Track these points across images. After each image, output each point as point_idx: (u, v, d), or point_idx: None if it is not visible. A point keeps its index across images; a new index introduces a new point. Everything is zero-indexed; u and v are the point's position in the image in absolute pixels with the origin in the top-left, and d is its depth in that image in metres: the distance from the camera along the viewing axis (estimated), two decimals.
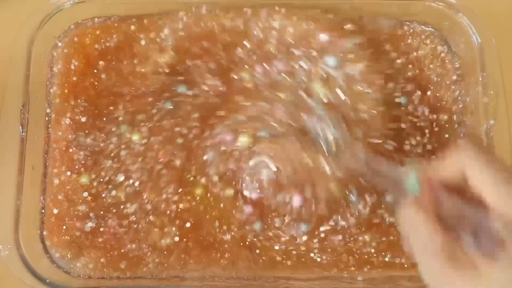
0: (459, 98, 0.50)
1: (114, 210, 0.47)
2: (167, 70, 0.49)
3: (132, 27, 0.51)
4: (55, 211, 0.47)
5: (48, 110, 0.49)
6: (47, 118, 0.48)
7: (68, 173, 0.47)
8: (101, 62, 0.50)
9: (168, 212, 0.46)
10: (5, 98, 0.46)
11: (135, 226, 0.46)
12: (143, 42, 0.50)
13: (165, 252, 0.46)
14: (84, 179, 0.47)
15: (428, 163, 0.34)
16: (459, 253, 0.29)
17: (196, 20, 0.50)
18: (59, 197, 0.47)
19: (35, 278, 0.43)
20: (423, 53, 0.51)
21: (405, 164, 0.35)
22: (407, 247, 0.32)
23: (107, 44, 0.51)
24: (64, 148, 0.48)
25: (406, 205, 0.32)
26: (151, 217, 0.46)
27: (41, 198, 0.47)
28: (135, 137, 0.48)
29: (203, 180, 0.47)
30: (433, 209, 0.31)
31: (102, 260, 0.46)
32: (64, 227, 0.46)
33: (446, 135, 0.49)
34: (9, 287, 0.46)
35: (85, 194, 0.47)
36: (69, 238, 0.46)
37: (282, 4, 0.49)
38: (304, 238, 0.46)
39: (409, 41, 0.51)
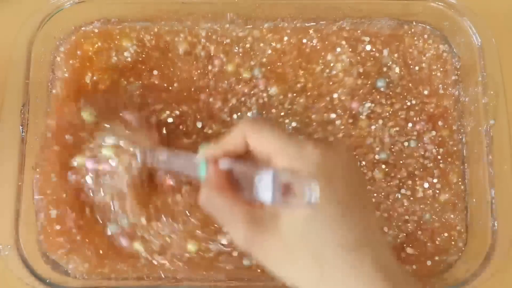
0: (459, 98, 0.50)
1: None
2: None
3: (132, 28, 0.51)
4: (55, 211, 0.47)
5: (48, 110, 0.49)
6: (47, 118, 0.48)
7: (68, 173, 0.47)
8: (101, 62, 0.50)
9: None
10: (5, 98, 0.46)
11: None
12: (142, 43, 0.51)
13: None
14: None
15: (214, 144, 0.37)
16: (260, 215, 0.33)
17: None
18: (59, 197, 0.47)
19: (35, 278, 0.43)
20: (423, 53, 0.51)
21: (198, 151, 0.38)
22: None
23: (107, 44, 0.51)
24: (64, 149, 0.48)
25: (201, 188, 0.35)
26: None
27: (41, 198, 0.47)
28: None
29: None
30: (225, 182, 0.35)
31: (101, 259, 0.46)
32: (64, 227, 0.46)
33: (446, 135, 0.49)
34: (9, 287, 0.46)
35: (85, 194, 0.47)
36: (69, 238, 0.46)
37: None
38: None
39: (409, 41, 0.51)
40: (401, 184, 0.48)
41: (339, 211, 0.32)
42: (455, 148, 0.49)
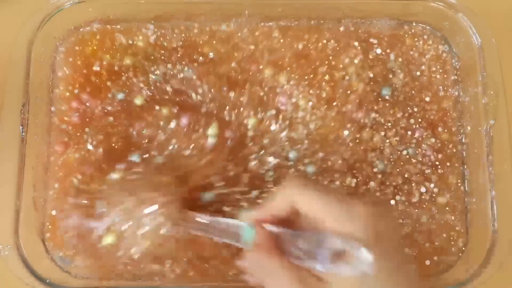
0: (459, 98, 0.50)
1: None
2: None
3: (132, 28, 0.51)
4: (55, 211, 0.47)
5: (48, 110, 0.49)
6: (47, 118, 0.48)
7: (68, 173, 0.47)
8: (101, 63, 0.50)
9: None
10: (5, 98, 0.46)
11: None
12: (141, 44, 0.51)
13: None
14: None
15: (258, 208, 0.37)
16: (307, 278, 0.33)
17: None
18: (59, 197, 0.47)
19: (35, 278, 0.43)
20: (423, 53, 0.51)
21: (239, 217, 0.37)
22: None
23: (107, 45, 0.51)
24: (64, 149, 0.48)
25: (249, 253, 0.35)
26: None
27: (41, 198, 0.47)
28: None
29: None
30: (273, 245, 0.34)
31: (101, 259, 0.46)
32: (64, 227, 0.46)
33: (445, 139, 0.49)
34: (9, 287, 0.46)
35: (85, 194, 0.47)
36: (69, 238, 0.46)
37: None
38: None
39: (409, 41, 0.51)
40: (398, 188, 0.48)
41: (387, 273, 0.32)
42: (454, 150, 0.49)
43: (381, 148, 0.48)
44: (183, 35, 0.51)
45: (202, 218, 0.40)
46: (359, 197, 0.34)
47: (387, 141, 0.48)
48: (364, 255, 0.30)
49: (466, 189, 0.48)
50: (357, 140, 0.48)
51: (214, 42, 0.51)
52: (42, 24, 0.48)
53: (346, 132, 0.48)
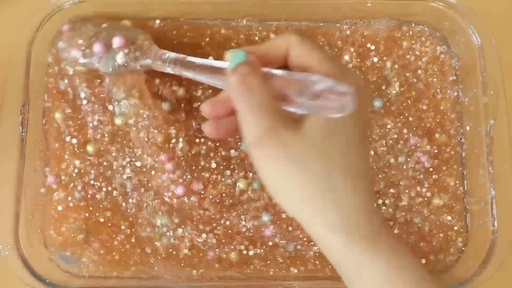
0: (459, 98, 0.50)
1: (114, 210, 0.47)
2: None
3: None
4: (55, 211, 0.47)
5: (48, 110, 0.49)
6: (47, 118, 0.48)
7: (68, 172, 0.47)
8: None
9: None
10: (5, 98, 0.46)
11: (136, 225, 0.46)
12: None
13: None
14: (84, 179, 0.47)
15: (254, 46, 0.36)
16: (285, 112, 0.32)
17: None
18: (59, 197, 0.47)
19: (35, 278, 0.43)
20: (423, 53, 0.51)
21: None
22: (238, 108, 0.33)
23: None
24: (64, 148, 0.48)
25: (238, 68, 0.34)
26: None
27: (41, 198, 0.47)
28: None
29: None
30: (259, 71, 0.34)
31: (101, 260, 0.46)
32: (64, 227, 0.46)
33: (442, 142, 0.49)
34: (9, 287, 0.46)
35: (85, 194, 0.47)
36: (69, 238, 0.46)
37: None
38: None
39: (408, 42, 0.51)
40: (397, 192, 0.48)
41: (361, 134, 0.33)
42: (453, 152, 0.49)
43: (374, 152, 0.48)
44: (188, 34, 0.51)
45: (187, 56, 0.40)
46: None
47: (381, 148, 0.48)
48: (350, 99, 0.30)
49: (466, 189, 0.48)
50: None
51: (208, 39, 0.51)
52: (42, 24, 0.48)
53: None
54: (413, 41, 0.51)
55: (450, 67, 0.51)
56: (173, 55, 0.42)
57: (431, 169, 0.48)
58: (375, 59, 0.50)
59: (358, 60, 0.50)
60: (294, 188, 0.32)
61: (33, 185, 0.46)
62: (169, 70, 0.42)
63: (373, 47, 0.50)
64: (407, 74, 0.50)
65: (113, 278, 0.46)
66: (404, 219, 0.47)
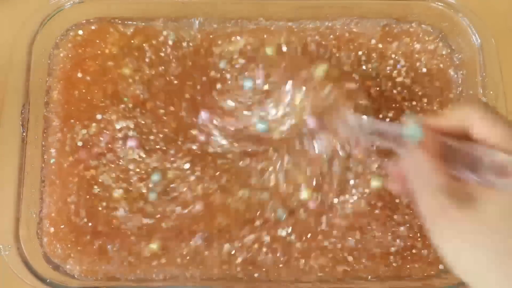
0: (458, 99, 0.50)
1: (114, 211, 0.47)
2: None
3: (132, 29, 0.51)
4: (55, 211, 0.47)
5: (48, 110, 0.49)
6: (47, 118, 0.48)
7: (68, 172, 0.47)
8: (100, 63, 0.50)
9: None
10: (6, 98, 0.46)
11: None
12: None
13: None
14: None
15: (429, 116, 0.35)
16: (458, 191, 0.31)
17: None
18: (59, 197, 0.47)
19: (35, 278, 0.43)
20: (423, 53, 0.51)
21: (404, 119, 0.36)
22: (410, 192, 0.33)
23: (107, 45, 0.51)
24: (64, 148, 0.48)
25: (411, 150, 0.34)
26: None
27: (41, 198, 0.47)
28: None
29: None
30: (436, 152, 0.33)
31: (101, 260, 0.46)
32: (64, 227, 0.46)
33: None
34: (9, 287, 0.46)
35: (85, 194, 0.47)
36: (69, 238, 0.46)
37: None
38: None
39: (409, 41, 0.51)
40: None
41: None
42: None
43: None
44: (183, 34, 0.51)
45: (368, 118, 0.40)
46: None
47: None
48: None
49: None
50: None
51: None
52: (42, 24, 0.48)
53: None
54: (415, 39, 0.51)
55: (451, 66, 0.51)
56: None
57: None
58: (374, 60, 0.50)
59: (357, 60, 0.50)
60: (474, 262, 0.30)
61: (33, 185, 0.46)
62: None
63: (372, 52, 0.50)
64: (410, 73, 0.50)
65: (113, 279, 0.46)
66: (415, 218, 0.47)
